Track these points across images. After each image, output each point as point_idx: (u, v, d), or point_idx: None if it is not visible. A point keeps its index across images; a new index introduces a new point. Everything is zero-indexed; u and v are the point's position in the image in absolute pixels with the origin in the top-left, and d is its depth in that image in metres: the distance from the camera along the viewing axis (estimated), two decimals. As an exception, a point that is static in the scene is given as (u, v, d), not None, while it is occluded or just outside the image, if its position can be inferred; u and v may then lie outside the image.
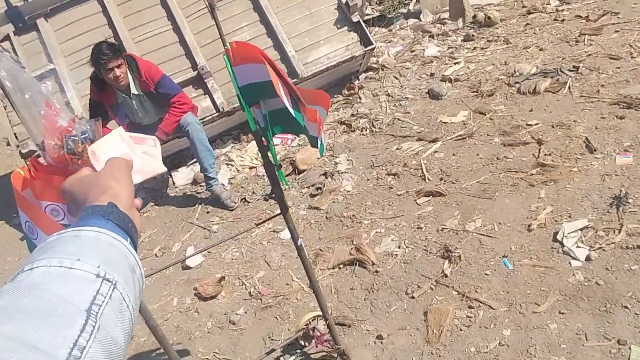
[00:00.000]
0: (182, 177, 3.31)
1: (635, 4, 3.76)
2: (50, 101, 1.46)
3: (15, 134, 3.35)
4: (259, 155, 3.19)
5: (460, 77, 3.45)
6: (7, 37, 3.47)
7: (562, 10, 4.07)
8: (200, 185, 3.19)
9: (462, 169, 2.61)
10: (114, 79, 2.71)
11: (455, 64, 3.67)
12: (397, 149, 2.94)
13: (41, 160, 1.35)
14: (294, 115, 1.24)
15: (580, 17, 3.83)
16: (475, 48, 3.86)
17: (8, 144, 3.66)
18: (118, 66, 2.69)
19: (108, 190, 0.51)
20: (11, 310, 0.34)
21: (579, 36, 3.53)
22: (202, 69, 3.29)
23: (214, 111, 3.24)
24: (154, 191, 3.33)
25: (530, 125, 2.76)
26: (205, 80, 3.28)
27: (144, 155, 1.30)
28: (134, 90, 2.82)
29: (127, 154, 0.75)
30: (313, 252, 2.40)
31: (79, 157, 1.20)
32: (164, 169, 1.35)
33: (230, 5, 3.54)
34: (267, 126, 1.32)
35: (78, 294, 0.37)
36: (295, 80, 3.25)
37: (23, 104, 1.44)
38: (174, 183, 3.33)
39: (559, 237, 2.03)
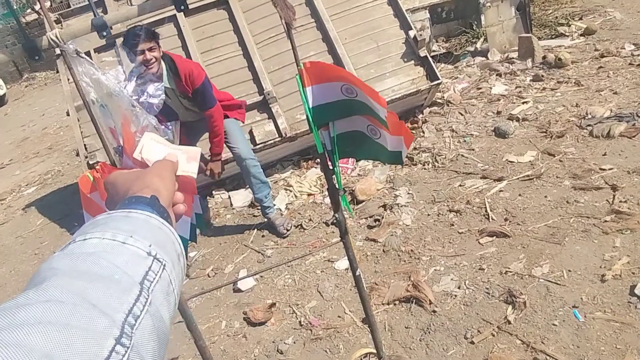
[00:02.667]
0: (240, 199, 3.46)
1: None
2: (129, 108, 1.60)
3: (85, 145, 3.64)
4: (318, 182, 3.33)
5: (529, 117, 3.44)
6: (87, 53, 3.82)
7: (638, 55, 4.00)
8: (257, 209, 3.31)
9: (529, 211, 2.58)
10: (144, 62, 2.59)
11: (523, 103, 3.67)
12: (460, 185, 2.95)
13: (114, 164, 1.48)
14: (379, 121, 1.28)
15: (659, 62, 3.75)
16: (544, 88, 3.85)
17: (77, 155, 3.97)
18: (150, 49, 2.58)
19: (150, 185, 0.54)
20: (71, 272, 0.36)
21: (657, 81, 3.45)
22: (268, 94, 3.47)
23: (277, 136, 3.39)
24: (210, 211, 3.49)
25: (604, 169, 2.70)
26: (270, 105, 3.46)
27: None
28: (166, 83, 2.69)
29: (172, 154, 0.78)
30: (368, 285, 2.42)
31: None
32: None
33: (300, 34, 3.75)
34: (334, 149, 1.36)
35: (132, 266, 0.39)
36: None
37: (103, 111, 1.58)
38: (231, 204, 3.47)
39: (637, 291, 1.95)
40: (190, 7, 3.75)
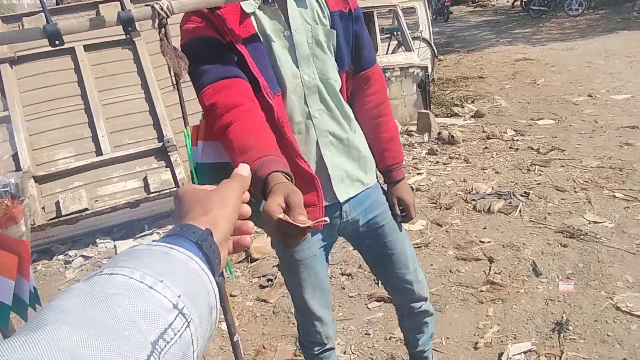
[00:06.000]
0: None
1: (579, 144, 4.41)
2: None
3: None
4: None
5: (422, 188, 3.79)
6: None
7: (517, 140, 4.67)
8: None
9: (416, 278, 2.79)
10: None
11: (418, 174, 4.04)
12: (353, 249, 3.10)
13: None
14: None
15: (532, 148, 4.41)
16: (437, 162, 4.30)
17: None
18: None
19: (209, 213, 0.50)
20: (77, 318, 0.33)
21: (530, 165, 4.04)
22: (168, 142, 3.45)
23: (173, 185, 3.34)
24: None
25: (483, 242, 3.03)
26: (169, 153, 3.43)
27: None
28: None
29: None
30: (254, 348, 2.40)
31: None
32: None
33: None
34: None
35: (150, 321, 0.36)
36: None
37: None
38: (116, 254, 3.28)
39: (503, 358, 2.17)
40: (96, 42, 3.70)
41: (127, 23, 1.07)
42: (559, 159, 4.16)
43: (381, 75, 1.42)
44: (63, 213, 3.07)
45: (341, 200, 1.34)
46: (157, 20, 1.10)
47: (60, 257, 3.37)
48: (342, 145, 1.32)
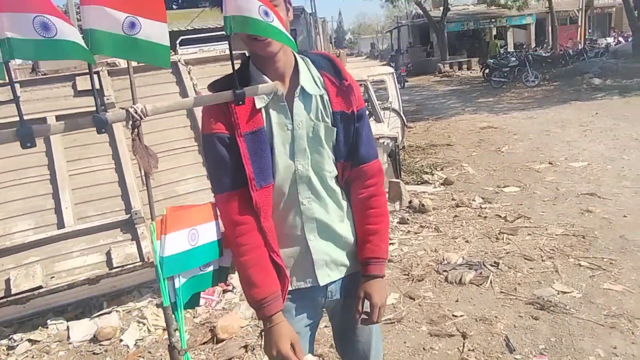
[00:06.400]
0: (81, 331, 3.09)
1: (543, 211, 4.55)
2: None
3: None
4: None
5: (394, 259, 3.79)
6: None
7: (485, 208, 4.79)
8: (100, 344, 2.98)
9: (389, 357, 2.71)
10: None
11: (390, 244, 4.05)
12: (325, 326, 3.02)
13: None
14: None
15: (500, 216, 4.52)
16: (409, 232, 4.33)
17: None
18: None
19: None
20: None
21: (499, 234, 4.12)
22: (136, 214, 3.38)
23: (138, 259, 3.23)
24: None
25: (456, 316, 3.01)
26: (136, 226, 3.34)
27: None
28: (308, 88, 1.33)
29: None
30: None
31: None
32: None
33: (179, 156, 3.84)
34: (179, 302, 1.29)
35: None
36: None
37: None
38: (69, 337, 3.08)
39: None
40: (69, 112, 3.70)
41: (101, 125, 1.10)
42: (526, 226, 4.26)
43: (379, 171, 1.46)
44: (13, 292, 2.88)
45: (321, 284, 1.38)
46: (130, 122, 1.14)
47: (3, 341, 3.10)
48: (329, 232, 1.38)
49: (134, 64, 5.17)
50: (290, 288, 1.36)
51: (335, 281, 1.41)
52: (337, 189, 1.40)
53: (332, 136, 1.35)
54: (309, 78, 1.34)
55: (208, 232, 1.34)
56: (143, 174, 1.17)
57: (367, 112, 6.42)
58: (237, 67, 1.27)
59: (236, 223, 1.28)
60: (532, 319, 2.90)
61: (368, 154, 1.42)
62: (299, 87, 1.31)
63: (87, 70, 1.11)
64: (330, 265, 1.39)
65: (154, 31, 1.15)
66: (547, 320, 2.87)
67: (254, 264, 1.28)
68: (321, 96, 1.34)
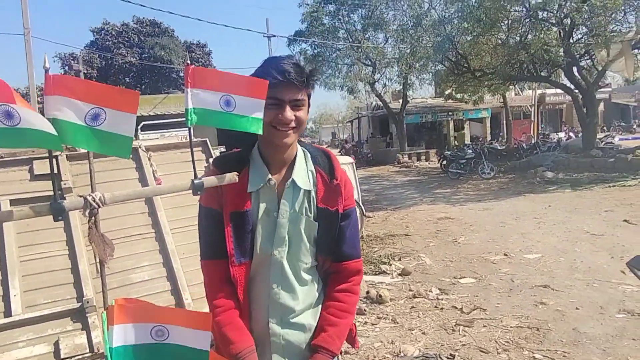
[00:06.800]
0: None
1: (498, 303, 4.89)
2: None
3: None
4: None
5: (350, 350, 3.95)
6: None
7: (442, 299, 5.10)
8: None
9: None
10: (280, 124, 1.44)
11: (346, 335, 4.23)
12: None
13: None
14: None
15: (456, 308, 4.82)
16: (366, 323, 4.54)
17: None
18: (298, 103, 1.45)
19: None
20: None
21: (455, 325, 4.39)
22: (87, 302, 3.45)
23: (87, 350, 3.26)
24: None
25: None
26: (87, 315, 3.40)
27: None
28: (299, 181, 1.52)
29: None
30: None
31: None
32: None
33: (135, 243, 4.00)
34: None
35: None
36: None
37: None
38: None
39: None
40: (23, 197, 3.86)
41: (59, 213, 1.15)
42: (482, 318, 4.56)
43: (358, 271, 1.59)
44: (-48, 386, 2.85)
45: None
46: (87, 210, 1.20)
47: None
48: (292, 319, 1.52)
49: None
50: None
51: None
52: (312, 280, 1.55)
53: (313, 230, 1.50)
54: (303, 172, 1.52)
55: (189, 337, 1.38)
56: (98, 261, 1.26)
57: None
58: (240, 149, 1.53)
59: (215, 288, 1.48)
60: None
61: (349, 252, 1.55)
62: (290, 179, 1.49)
63: (46, 154, 1.15)
64: (285, 351, 1.52)
65: (120, 122, 1.19)
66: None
67: (229, 322, 1.46)
68: (309, 191, 1.51)
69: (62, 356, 3.14)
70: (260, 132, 1.35)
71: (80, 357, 3.21)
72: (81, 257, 3.71)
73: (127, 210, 4.19)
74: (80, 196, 1.27)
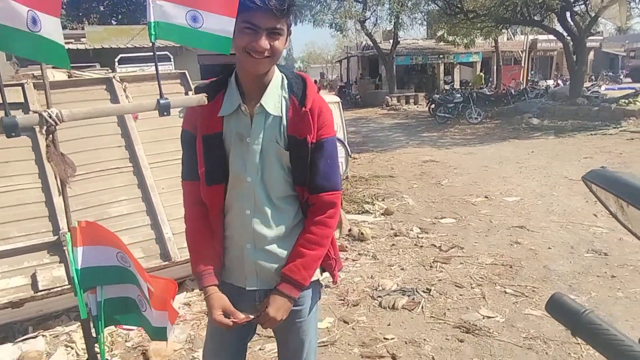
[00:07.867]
0: (6, 355, 3.06)
1: (476, 242, 4.99)
2: None
3: None
4: (109, 338, 3.18)
5: (330, 284, 4.02)
6: None
7: (422, 237, 5.18)
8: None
9: (321, 378, 2.91)
10: (253, 51, 1.37)
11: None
12: (260, 349, 3.19)
13: None
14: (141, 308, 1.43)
15: (435, 246, 4.91)
16: (347, 259, 4.61)
17: None
18: (275, 32, 1.38)
19: None
20: None
21: (433, 262, 4.48)
22: (64, 235, 3.42)
23: (66, 282, 3.26)
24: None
25: (387, 339, 3.27)
26: (64, 248, 3.38)
27: None
28: (269, 107, 1.48)
29: None
30: None
31: None
32: None
33: (112, 176, 3.93)
34: (100, 315, 1.38)
35: None
36: (167, 262, 3.52)
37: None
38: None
39: None
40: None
41: (11, 129, 1.09)
42: (459, 256, 4.66)
43: (332, 204, 1.52)
44: None
45: (247, 289, 1.55)
46: (45, 127, 1.16)
47: None
48: (264, 245, 1.52)
49: (60, 77, 5.17)
50: (228, 281, 1.57)
51: (261, 289, 1.56)
52: (287, 210, 1.53)
53: (285, 158, 1.47)
54: (275, 98, 1.47)
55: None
56: (59, 182, 1.22)
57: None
58: (219, 76, 1.52)
59: (188, 208, 1.57)
60: (457, 342, 3.21)
61: (322, 184, 1.49)
62: (259, 104, 1.46)
63: (7, 82, 1.11)
64: (259, 275, 1.55)
65: (51, 27, 1.14)
66: (471, 343, 3.19)
67: (192, 242, 1.56)
68: (280, 117, 1.46)
69: (40, 288, 3.15)
70: (228, 52, 1.35)
71: (58, 289, 3.22)
72: (55, 190, 3.64)
73: (103, 143, 4.07)
74: (35, 112, 1.20)
